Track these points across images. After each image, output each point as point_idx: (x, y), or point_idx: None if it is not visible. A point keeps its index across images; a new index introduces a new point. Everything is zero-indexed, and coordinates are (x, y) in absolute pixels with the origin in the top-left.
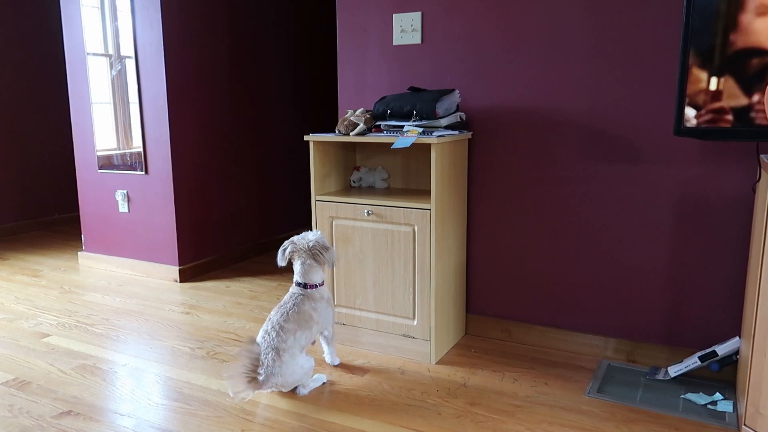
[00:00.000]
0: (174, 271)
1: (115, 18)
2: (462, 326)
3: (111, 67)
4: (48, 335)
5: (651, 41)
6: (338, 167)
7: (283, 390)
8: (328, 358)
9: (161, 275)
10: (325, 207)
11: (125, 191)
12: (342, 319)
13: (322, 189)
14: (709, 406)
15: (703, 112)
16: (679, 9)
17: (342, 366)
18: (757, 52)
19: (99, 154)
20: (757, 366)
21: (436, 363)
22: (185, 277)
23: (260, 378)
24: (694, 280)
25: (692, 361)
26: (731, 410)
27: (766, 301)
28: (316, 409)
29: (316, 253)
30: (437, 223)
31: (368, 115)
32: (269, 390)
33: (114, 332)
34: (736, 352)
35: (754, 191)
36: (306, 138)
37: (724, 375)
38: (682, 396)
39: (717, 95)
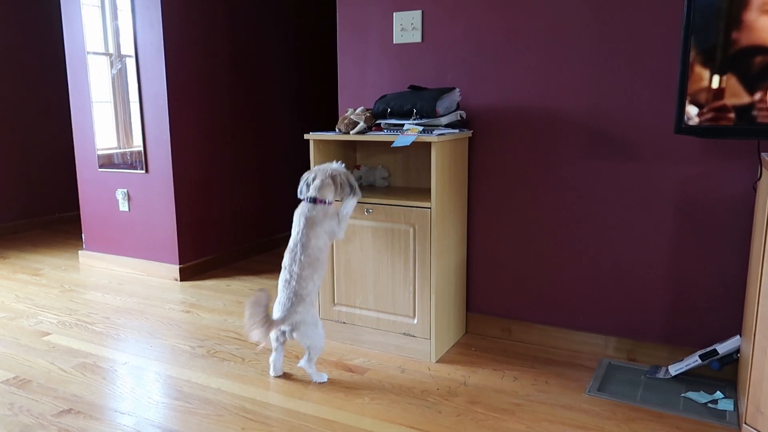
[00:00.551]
0: (174, 269)
1: (115, 17)
2: (462, 325)
3: (111, 66)
4: (48, 334)
5: (652, 40)
6: None
7: (294, 335)
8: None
9: (161, 274)
10: None
11: (125, 190)
12: (342, 317)
13: None
14: (709, 405)
15: (705, 110)
16: (680, 7)
17: (342, 365)
18: (760, 50)
19: (99, 153)
20: (757, 364)
21: (437, 361)
22: (185, 275)
23: (275, 317)
24: (695, 278)
25: (693, 360)
26: (732, 409)
27: (766, 300)
28: (316, 407)
29: (335, 176)
30: (437, 221)
31: (368, 114)
32: (284, 329)
33: (114, 331)
34: (737, 351)
35: (755, 189)
36: (306, 136)
37: (725, 373)
38: (683, 395)
39: (719, 93)
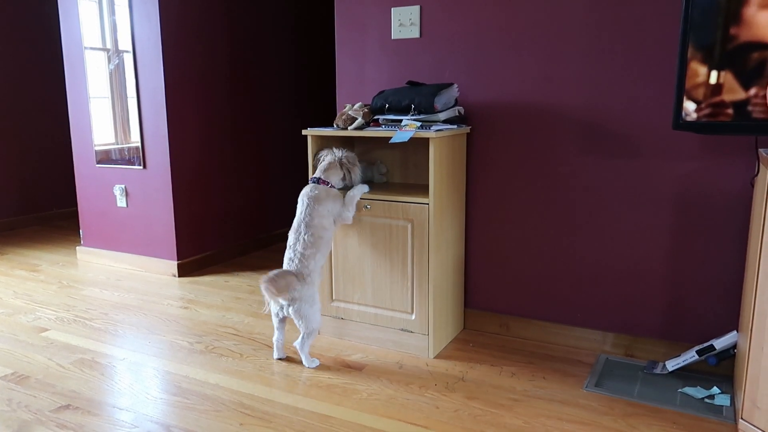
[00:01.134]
0: (172, 265)
1: (112, 12)
2: (460, 321)
3: (109, 62)
4: (46, 329)
5: (650, 35)
6: None
7: (290, 311)
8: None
9: (160, 270)
10: None
11: (123, 186)
12: (340, 313)
13: None
14: (706, 400)
15: (703, 106)
16: (678, 3)
17: (340, 360)
18: (758, 45)
19: (97, 148)
20: (754, 360)
21: (434, 357)
22: (184, 271)
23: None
24: (692, 274)
25: (690, 356)
26: (728, 404)
27: (763, 295)
28: (313, 403)
29: (344, 162)
30: (435, 217)
31: (366, 110)
32: (283, 303)
33: (112, 327)
34: (734, 346)
35: (752, 185)
36: (304, 132)
37: (722, 369)
38: (680, 390)
39: (717, 89)
